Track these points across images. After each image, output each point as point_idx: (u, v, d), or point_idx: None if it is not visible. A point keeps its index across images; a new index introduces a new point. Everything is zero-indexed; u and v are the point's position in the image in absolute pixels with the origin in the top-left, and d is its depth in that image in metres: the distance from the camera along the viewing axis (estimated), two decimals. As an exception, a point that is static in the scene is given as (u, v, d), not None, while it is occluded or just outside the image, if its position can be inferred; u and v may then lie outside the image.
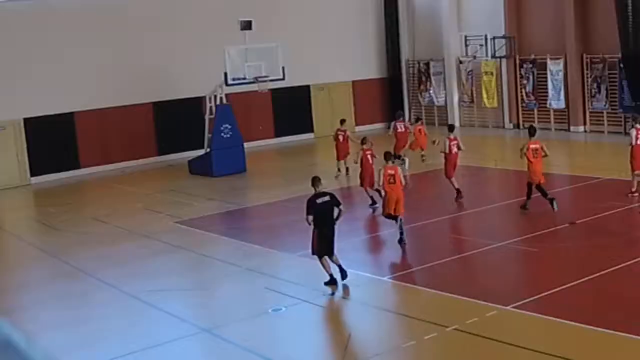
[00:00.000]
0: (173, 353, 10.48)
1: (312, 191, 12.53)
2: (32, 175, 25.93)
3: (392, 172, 14.84)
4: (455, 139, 18.61)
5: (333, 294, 12.12)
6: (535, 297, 11.07)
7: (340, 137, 22.73)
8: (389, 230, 16.66)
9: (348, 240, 15.71)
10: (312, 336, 11.20)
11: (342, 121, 23.54)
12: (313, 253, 12.50)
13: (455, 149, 18.44)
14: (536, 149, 16.58)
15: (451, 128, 19.42)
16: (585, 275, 11.88)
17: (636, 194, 17.13)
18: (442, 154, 18.61)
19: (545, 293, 11.17)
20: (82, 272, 14.75)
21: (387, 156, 15.18)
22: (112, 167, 27.12)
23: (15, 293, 14.16)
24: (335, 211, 12.40)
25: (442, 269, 13.08)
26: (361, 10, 33.30)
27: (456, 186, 18.30)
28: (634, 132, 17.58)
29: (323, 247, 12.28)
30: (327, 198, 12.35)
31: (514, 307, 10.68)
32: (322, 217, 12.24)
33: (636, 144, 17.37)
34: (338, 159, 22.76)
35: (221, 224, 18.47)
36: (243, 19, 23.87)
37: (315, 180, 12.63)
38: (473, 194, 20.37)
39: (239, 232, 17.21)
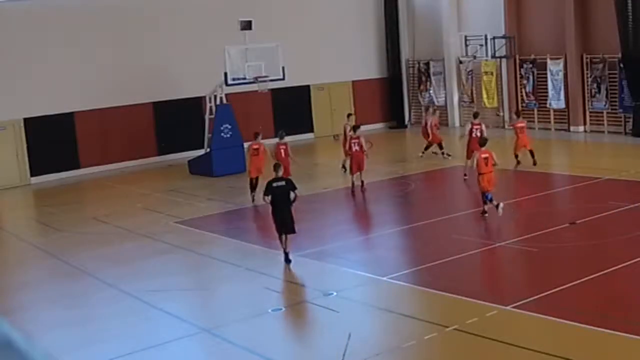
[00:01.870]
0: (173, 353, 10.48)
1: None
2: (32, 175, 25.92)
3: (256, 146, 20.05)
4: (358, 137, 20.22)
5: (330, 294, 12.14)
6: (535, 297, 11.06)
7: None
8: (389, 230, 16.67)
9: (348, 241, 15.73)
10: (312, 336, 11.20)
11: (349, 115, 24.05)
12: (276, 231, 14.08)
13: (356, 147, 20.01)
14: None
15: (356, 129, 20.86)
16: (585, 275, 11.88)
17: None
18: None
19: (545, 293, 11.16)
20: (82, 272, 14.74)
21: (255, 135, 20.29)
22: (112, 167, 27.12)
23: (15, 293, 14.15)
24: (292, 195, 13.88)
25: (442, 269, 13.08)
26: (361, 10, 33.30)
27: (354, 181, 20.07)
28: (469, 126, 21.08)
29: (278, 225, 13.88)
30: (282, 183, 13.97)
31: (514, 307, 10.67)
32: (276, 199, 13.80)
33: (471, 136, 20.51)
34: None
35: (221, 224, 18.47)
36: (243, 19, 23.86)
37: (276, 166, 14.50)
38: (473, 194, 20.39)
39: (239, 232, 17.21)
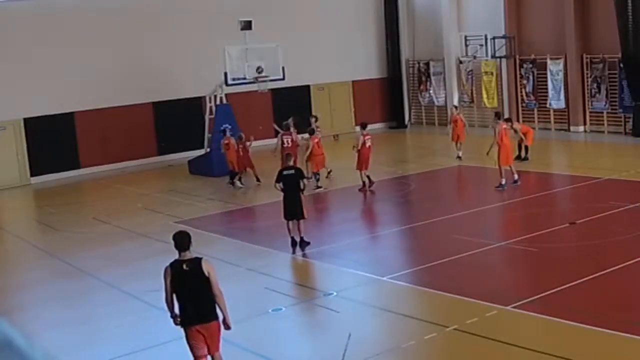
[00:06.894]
0: (173, 353, 10.46)
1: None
2: (32, 175, 25.93)
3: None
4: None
5: (330, 294, 12.14)
6: (535, 297, 11.06)
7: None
8: (389, 230, 16.67)
9: (348, 240, 15.72)
10: (312, 336, 11.20)
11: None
12: (284, 217, 14.79)
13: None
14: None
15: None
16: (585, 275, 11.88)
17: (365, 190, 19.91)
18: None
19: (545, 293, 11.16)
20: (82, 272, 14.75)
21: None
22: (112, 167, 27.12)
23: (15, 293, 14.16)
24: (301, 184, 14.54)
25: (442, 269, 13.07)
26: (361, 10, 33.30)
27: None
28: (361, 139, 20.10)
29: (287, 211, 14.58)
30: (292, 172, 14.67)
31: (514, 307, 10.67)
32: (286, 186, 14.54)
33: (364, 147, 19.92)
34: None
35: (221, 224, 18.45)
36: (243, 19, 23.88)
37: (287, 156, 15.80)
38: (473, 194, 20.39)
39: (239, 232, 17.21)
